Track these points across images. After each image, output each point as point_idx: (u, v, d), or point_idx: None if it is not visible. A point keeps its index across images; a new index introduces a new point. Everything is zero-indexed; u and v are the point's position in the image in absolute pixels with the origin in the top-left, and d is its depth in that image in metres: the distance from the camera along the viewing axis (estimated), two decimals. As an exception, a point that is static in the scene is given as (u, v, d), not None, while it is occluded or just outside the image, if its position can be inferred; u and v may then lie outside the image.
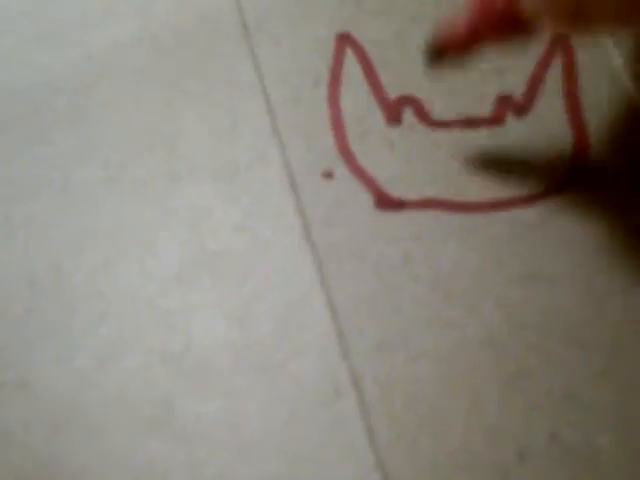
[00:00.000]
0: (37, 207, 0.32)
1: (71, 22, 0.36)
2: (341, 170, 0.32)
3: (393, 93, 0.34)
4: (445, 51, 0.30)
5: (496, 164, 0.33)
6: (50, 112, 0.34)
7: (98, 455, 0.28)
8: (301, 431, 0.28)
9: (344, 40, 0.35)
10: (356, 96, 0.34)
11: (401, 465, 0.27)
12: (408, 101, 0.34)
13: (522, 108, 0.33)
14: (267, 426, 0.28)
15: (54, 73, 0.34)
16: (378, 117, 0.33)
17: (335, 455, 0.27)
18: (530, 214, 0.31)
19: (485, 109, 0.34)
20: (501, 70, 0.34)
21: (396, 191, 0.32)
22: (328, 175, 0.32)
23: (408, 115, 0.34)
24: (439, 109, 0.34)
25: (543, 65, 0.34)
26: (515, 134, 0.33)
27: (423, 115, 0.34)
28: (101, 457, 0.28)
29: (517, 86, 0.34)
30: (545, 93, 0.34)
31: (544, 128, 0.33)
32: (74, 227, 0.31)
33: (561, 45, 0.35)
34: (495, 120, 0.33)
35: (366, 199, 0.32)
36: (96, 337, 0.29)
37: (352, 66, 0.35)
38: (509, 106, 0.34)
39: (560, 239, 0.31)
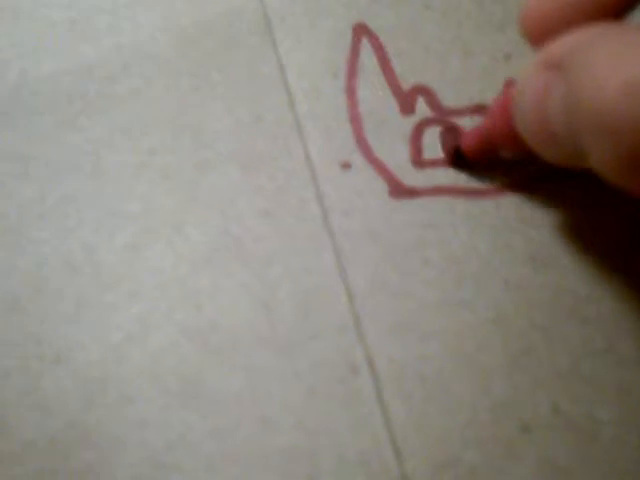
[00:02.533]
0: (70, 189, 0.33)
1: (101, 11, 0.37)
2: (358, 160, 0.34)
3: (406, 83, 0.36)
4: (466, 157, 0.33)
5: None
6: (80, 98, 0.35)
7: (132, 425, 0.29)
8: (319, 406, 0.30)
9: (360, 30, 0.36)
10: (372, 87, 0.35)
11: (412, 438, 0.29)
12: (421, 90, 0.35)
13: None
14: (287, 401, 0.30)
15: (84, 60, 0.36)
16: (393, 107, 0.35)
17: (350, 429, 0.29)
18: (536, 197, 0.33)
19: (494, 95, 0.35)
20: (509, 55, 0.36)
21: (409, 179, 0.34)
22: (346, 166, 0.34)
23: (421, 104, 0.35)
24: (450, 97, 0.35)
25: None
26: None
27: (434, 104, 0.35)
28: (135, 427, 0.29)
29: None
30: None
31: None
32: (106, 209, 0.33)
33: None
34: (503, 105, 0.35)
35: (382, 188, 0.33)
36: (128, 315, 0.31)
37: (368, 56, 0.36)
38: (516, 92, 0.35)
39: (564, 221, 0.33)
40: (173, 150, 0.34)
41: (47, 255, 0.32)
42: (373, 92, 0.35)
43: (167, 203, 0.33)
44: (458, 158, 0.34)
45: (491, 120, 0.32)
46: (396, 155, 0.34)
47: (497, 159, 0.33)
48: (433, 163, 0.34)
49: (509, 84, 0.34)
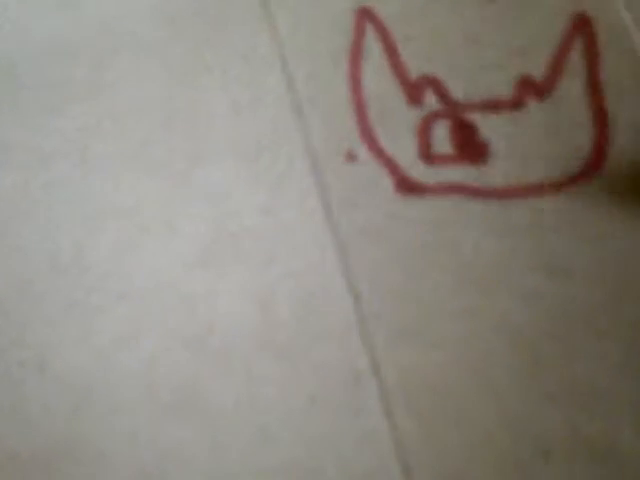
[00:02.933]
0: (56, 181, 0.32)
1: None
2: (363, 152, 0.32)
3: (414, 72, 0.34)
4: None
5: (516, 148, 0.32)
6: (68, 84, 0.33)
7: (119, 438, 0.28)
8: (321, 416, 0.28)
9: (364, 15, 0.35)
10: (377, 74, 0.34)
11: (421, 452, 0.27)
12: (429, 81, 0.34)
13: (543, 90, 0.33)
14: (288, 410, 0.28)
15: (73, 45, 0.34)
16: (399, 97, 0.33)
17: (354, 441, 0.28)
18: (550, 202, 0.31)
19: (506, 91, 0.33)
20: (522, 51, 0.34)
21: (417, 175, 0.32)
22: (351, 157, 0.32)
23: (429, 96, 0.33)
24: (460, 90, 0.33)
25: (565, 46, 0.34)
26: (536, 117, 0.33)
27: (444, 96, 0.33)
28: (122, 440, 0.28)
29: (538, 67, 0.34)
30: (566, 75, 0.33)
31: (565, 112, 0.33)
32: (94, 203, 0.31)
33: (583, 26, 0.34)
34: (516, 103, 0.33)
35: (388, 182, 0.31)
36: (116, 317, 0.29)
37: (373, 43, 0.34)
38: (530, 88, 0.33)
39: (578, 227, 0.31)
40: (165, 139, 0.32)
41: (31, 254, 0.30)
42: (378, 80, 0.33)
43: (159, 197, 0.31)
44: None
45: None
46: (403, 148, 0.32)
47: None
48: (443, 158, 0.32)
49: None
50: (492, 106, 0.33)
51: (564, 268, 0.30)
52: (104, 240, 0.31)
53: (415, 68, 0.34)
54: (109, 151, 0.32)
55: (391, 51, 0.34)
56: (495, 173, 0.32)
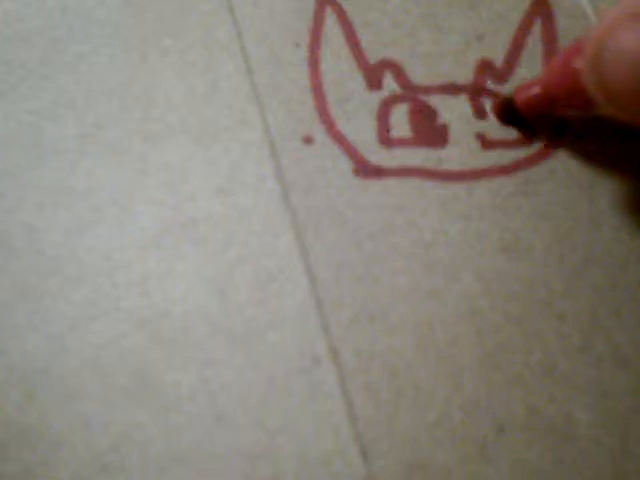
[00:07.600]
0: (8, 165, 0.31)
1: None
2: (321, 135, 0.31)
3: (373, 56, 0.33)
4: (519, 111, 0.31)
5: (475, 131, 0.32)
6: (21, 66, 0.33)
7: (74, 424, 0.27)
8: (278, 401, 0.27)
9: (325, 0, 0.34)
10: (337, 59, 0.33)
11: (379, 437, 0.27)
12: (388, 65, 0.33)
13: (503, 74, 0.33)
14: (244, 395, 0.27)
15: (26, 25, 0.33)
16: (358, 81, 0.33)
17: (312, 426, 0.27)
18: (510, 183, 0.31)
19: (465, 75, 0.33)
20: (481, 35, 0.34)
21: (376, 158, 0.31)
22: (308, 140, 0.31)
23: (388, 80, 0.33)
24: (419, 74, 0.33)
25: (523, 30, 0.34)
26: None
27: (403, 80, 0.33)
28: (77, 426, 0.27)
29: (498, 50, 0.34)
30: (525, 59, 0.33)
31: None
32: (48, 186, 0.30)
33: (541, 9, 0.34)
34: (475, 87, 0.33)
35: (346, 165, 0.31)
36: (70, 302, 0.29)
37: (333, 27, 0.34)
38: (490, 73, 0.33)
39: (540, 209, 0.31)
40: (121, 122, 0.31)
41: (-19, 238, 0.30)
42: (338, 64, 0.33)
43: (114, 180, 0.31)
44: (508, 112, 0.32)
45: (554, 79, 0.30)
46: (362, 131, 0.32)
47: (551, 116, 0.32)
48: (402, 142, 0.32)
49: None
50: (451, 90, 0.33)
51: (524, 249, 0.30)
52: (58, 225, 0.30)
53: (374, 53, 0.33)
54: (64, 134, 0.31)
55: (351, 36, 0.34)
56: (454, 156, 0.32)
